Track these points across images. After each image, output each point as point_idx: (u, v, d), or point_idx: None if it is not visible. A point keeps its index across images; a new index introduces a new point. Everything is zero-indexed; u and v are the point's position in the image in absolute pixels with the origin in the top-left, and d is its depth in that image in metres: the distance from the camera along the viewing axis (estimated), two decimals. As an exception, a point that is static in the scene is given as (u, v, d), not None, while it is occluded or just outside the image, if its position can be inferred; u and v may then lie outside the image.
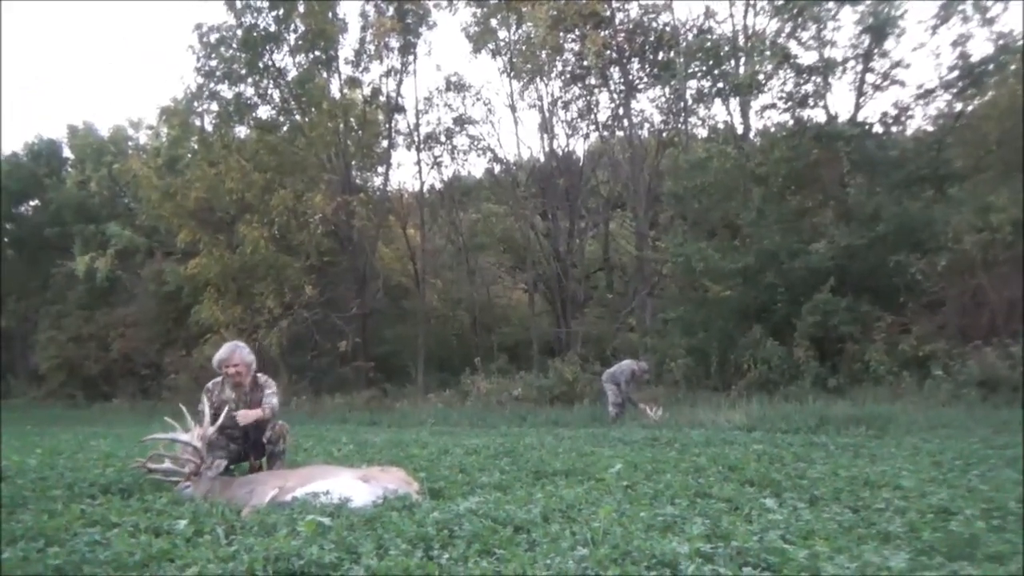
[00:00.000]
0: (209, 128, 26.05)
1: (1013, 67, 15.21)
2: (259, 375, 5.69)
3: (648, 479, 5.26)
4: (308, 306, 24.07)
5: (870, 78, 16.86)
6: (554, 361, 19.71)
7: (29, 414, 23.98)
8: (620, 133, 26.13)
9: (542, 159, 27.65)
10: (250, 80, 24.57)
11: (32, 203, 35.22)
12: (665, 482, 4.98)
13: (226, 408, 5.34)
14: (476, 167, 35.87)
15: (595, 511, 3.87)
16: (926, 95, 16.31)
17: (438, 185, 28.76)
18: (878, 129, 16.70)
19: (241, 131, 25.99)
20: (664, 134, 25.08)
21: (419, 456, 7.08)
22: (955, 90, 16.04)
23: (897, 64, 16.50)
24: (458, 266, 30.47)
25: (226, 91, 24.61)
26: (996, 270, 13.66)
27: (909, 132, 17.76)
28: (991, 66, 15.20)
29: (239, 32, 23.83)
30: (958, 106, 16.52)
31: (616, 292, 28.39)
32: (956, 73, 15.72)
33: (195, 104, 25.39)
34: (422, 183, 27.68)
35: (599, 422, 12.41)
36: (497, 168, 28.18)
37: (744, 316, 16.14)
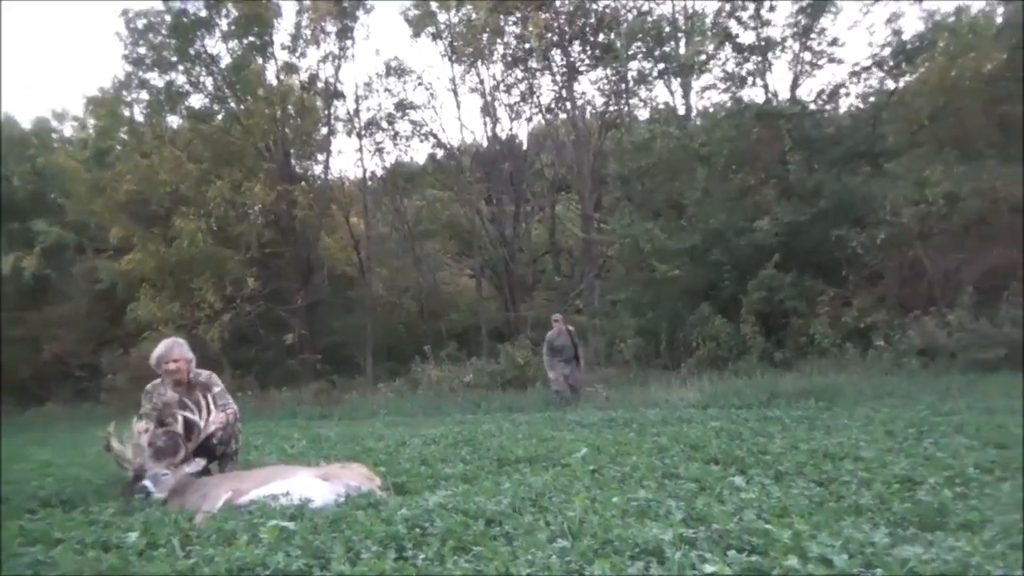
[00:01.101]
0: (139, 118, 25.04)
1: (942, 44, 15.66)
2: (200, 372, 5.42)
3: (613, 462, 5.22)
4: (251, 299, 23.42)
5: (807, 56, 17.16)
6: (504, 346, 19.64)
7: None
8: (563, 116, 26.08)
9: (485, 143, 27.46)
10: (181, 68, 23.67)
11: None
12: (631, 464, 4.94)
13: (177, 414, 5.06)
14: (419, 153, 35.41)
15: (567, 499, 3.79)
16: (860, 72, 16.67)
17: (380, 172, 28.30)
18: (815, 107, 17.03)
19: (173, 121, 25.09)
20: (607, 116, 25.11)
21: (376, 449, 6.91)
22: (888, 67, 16.43)
23: (833, 42, 16.82)
24: (403, 254, 30.11)
25: (156, 79, 23.72)
26: (932, 241, 14.08)
27: (843, 110, 18.19)
28: (923, 43, 15.61)
29: (168, 18, 22.91)
30: (891, 84, 16.95)
31: (564, 275, 28.53)
32: (889, 51, 16.10)
33: (124, 93, 24.37)
34: (364, 171, 27.23)
35: (554, 405, 12.38)
36: (440, 153, 27.86)
37: (691, 295, 16.32)
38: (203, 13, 23.05)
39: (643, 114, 23.86)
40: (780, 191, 16.63)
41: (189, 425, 4.94)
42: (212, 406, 4.97)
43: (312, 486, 4.44)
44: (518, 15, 22.94)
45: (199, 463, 4.64)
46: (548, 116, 26.85)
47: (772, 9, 17.03)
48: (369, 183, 27.81)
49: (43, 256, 27.47)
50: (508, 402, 13.75)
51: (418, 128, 26.67)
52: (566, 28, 22.95)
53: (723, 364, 14.91)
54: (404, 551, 2.93)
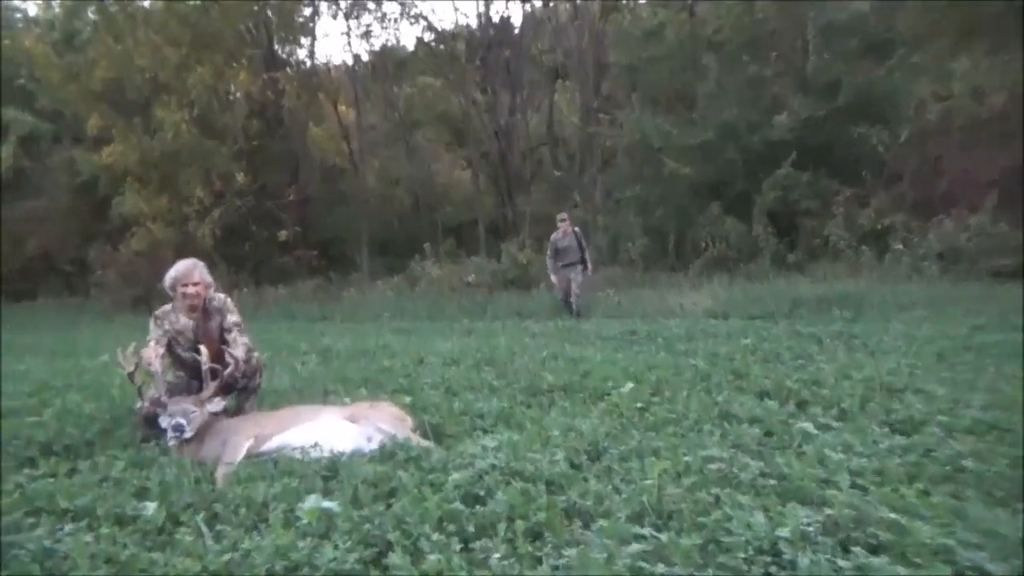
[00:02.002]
0: (109, -3, 23.34)
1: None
2: (214, 296, 4.93)
3: (658, 395, 4.86)
4: (240, 194, 22.72)
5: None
6: (507, 244, 19.15)
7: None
8: (562, -3, 24.55)
9: (475, 27, 25.99)
10: (151, -62, 21.85)
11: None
12: (681, 401, 4.57)
13: (195, 347, 4.59)
14: (408, 37, 33.64)
15: (628, 453, 3.43)
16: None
17: (368, 57, 26.87)
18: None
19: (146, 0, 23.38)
20: (608, -2, 23.63)
21: (393, 370, 6.54)
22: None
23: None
24: (394, 144, 29.12)
25: (125, -49, 21.90)
26: (954, 140, 13.45)
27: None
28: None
29: None
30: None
31: (562, 169, 27.70)
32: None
33: (89, -34, 22.60)
34: (355, 56, 25.80)
35: (564, 313, 12.03)
36: (431, 37, 26.38)
37: (701, 193, 15.78)
38: None
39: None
40: (797, 84, 15.75)
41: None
42: (237, 339, 4.48)
43: (339, 428, 4.05)
44: None
45: (220, 403, 4.21)
46: (546, -3, 25.28)
47: None
48: (357, 70, 26.42)
49: (19, 146, 26.31)
50: (515, 305, 13.39)
51: (407, 9, 25.09)
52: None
53: (733, 266, 14.57)
54: (467, 538, 2.55)
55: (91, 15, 24.72)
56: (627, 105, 18.28)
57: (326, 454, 3.75)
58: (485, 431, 4.25)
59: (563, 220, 12.04)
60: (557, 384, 5.42)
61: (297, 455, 3.86)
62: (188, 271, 4.73)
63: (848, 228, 13.64)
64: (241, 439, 3.90)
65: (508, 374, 6.03)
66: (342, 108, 27.63)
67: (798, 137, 14.22)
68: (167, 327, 4.76)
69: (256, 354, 4.83)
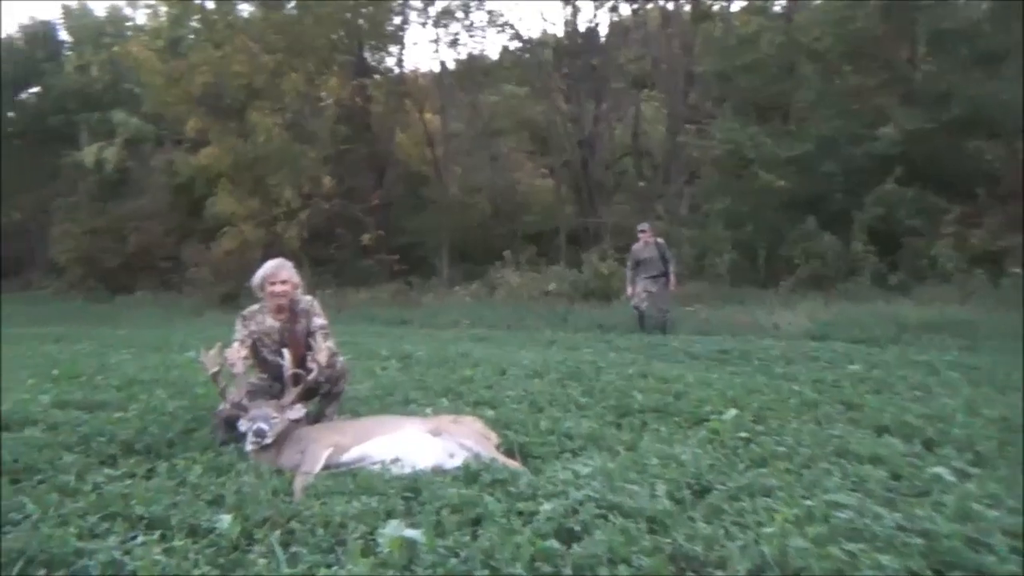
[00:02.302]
0: (210, 5, 24.23)
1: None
2: (301, 297, 4.82)
3: (760, 423, 4.47)
4: (327, 197, 23.11)
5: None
6: (588, 254, 18.78)
7: (51, 307, 23.73)
8: (650, 4, 24.05)
9: (562, 35, 25.77)
10: (251, -49, 22.59)
11: (32, 90, 33.72)
12: (790, 432, 4.17)
13: (279, 349, 4.48)
14: (494, 45, 33.67)
15: (739, 491, 3.08)
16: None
17: (454, 65, 27.02)
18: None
19: (245, 9, 24.20)
20: (700, 6, 22.98)
21: (474, 380, 6.32)
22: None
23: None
24: (476, 152, 29.18)
25: (226, -37, 22.71)
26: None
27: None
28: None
29: None
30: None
31: (646, 179, 27.14)
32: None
33: (193, -23, 23.53)
34: (442, 63, 25.96)
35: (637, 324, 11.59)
36: (517, 46, 26.31)
37: (795, 207, 15.04)
38: None
39: (738, 3, 21.74)
40: (903, 95, 14.86)
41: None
42: (322, 343, 4.36)
43: (421, 442, 3.84)
44: None
45: (301, 409, 4.08)
46: (634, 5, 24.83)
47: None
48: (443, 78, 26.61)
49: (124, 147, 27.61)
50: (596, 317, 13.03)
51: (494, 18, 25.09)
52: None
53: (828, 285, 13.81)
54: (565, 583, 2.27)
55: (193, 23, 25.75)
56: (716, 115, 17.65)
57: (407, 469, 3.55)
58: (574, 453, 3.96)
59: (643, 231, 11.47)
60: (648, 405, 5.09)
61: (377, 468, 3.67)
62: (276, 269, 4.63)
63: (958, 249, 12.72)
64: (320, 448, 3.73)
65: (595, 391, 5.72)
66: (427, 115, 27.91)
67: (904, 151, 13.37)
68: (253, 327, 4.67)
69: (341, 359, 4.69)
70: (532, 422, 4.55)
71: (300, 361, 4.38)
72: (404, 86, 26.73)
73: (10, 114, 33.34)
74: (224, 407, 4.14)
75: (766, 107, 16.43)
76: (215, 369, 4.06)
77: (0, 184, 28.61)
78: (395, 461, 3.64)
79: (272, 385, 4.72)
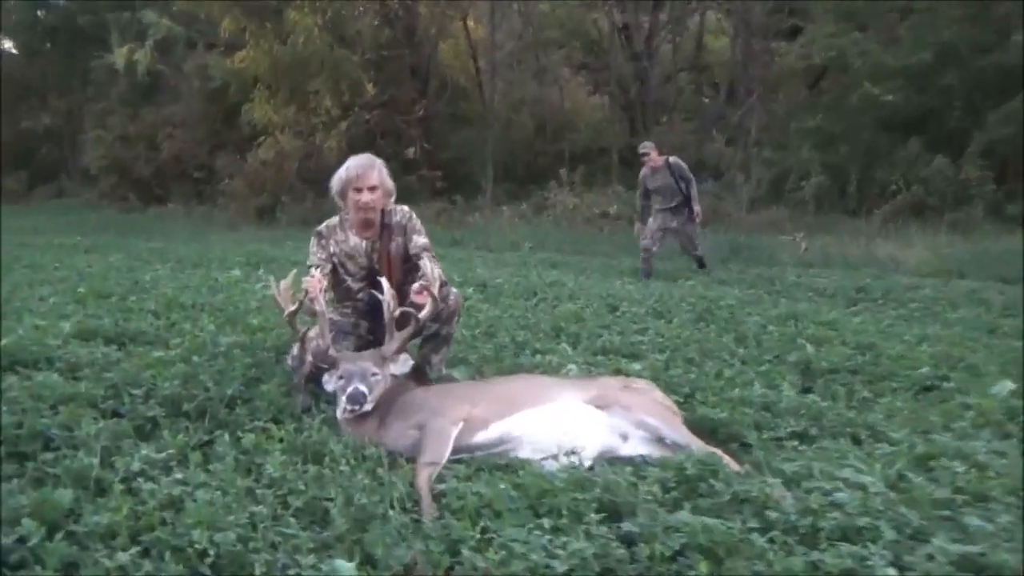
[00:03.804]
0: None
1: None
2: (396, 208, 3.64)
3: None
4: (368, 107, 21.66)
5: None
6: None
7: (84, 217, 22.93)
8: None
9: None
10: None
11: (61, -12, 32.23)
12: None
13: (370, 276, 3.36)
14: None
15: None
16: None
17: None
18: None
19: None
20: None
21: (585, 319, 5.13)
22: None
23: None
24: (519, 65, 27.38)
25: None
26: None
27: None
28: None
29: None
30: None
31: (708, 96, 25.25)
32: None
33: None
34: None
35: (744, 251, 10.30)
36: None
37: (897, 127, 13.40)
38: None
39: None
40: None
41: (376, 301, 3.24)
42: (431, 269, 3.12)
43: (584, 418, 2.70)
44: None
45: (408, 361, 2.94)
46: None
47: None
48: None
49: (155, 50, 26.20)
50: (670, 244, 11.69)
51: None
52: None
53: (931, 214, 12.32)
54: None
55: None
56: (802, 23, 15.69)
57: (569, 457, 2.44)
58: (800, 439, 2.79)
59: (645, 154, 9.10)
60: (834, 362, 3.88)
61: (527, 455, 2.54)
62: (364, 170, 3.43)
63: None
64: (447, 424, 2.60)
65: (748, 339, 4.53)
66: (471, 24, 26.08)
67: (1040, 63, 11.62)
68: (333, 248, 3.50)
69: (453, 291, 3.49)
70: (706, 385, 3.38)
71: (397, 292, 3.22)
72: (447, -9, 24.86)
73: (39, 13, 31.96)
74: (302, 358, 3.01)
75: (871, 11, 14.44)
76: (293, 307, 2.89)
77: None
78: (563, 455, 2.50)
79: (358, 323, 3.59)
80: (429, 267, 3.07)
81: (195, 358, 3.55)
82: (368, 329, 3.59)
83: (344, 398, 2.69)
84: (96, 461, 2.30)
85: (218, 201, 23.84)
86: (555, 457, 2.52)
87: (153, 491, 2.11)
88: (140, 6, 27.44)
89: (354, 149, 17.76)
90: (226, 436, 2.63)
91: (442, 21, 24.49)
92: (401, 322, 3.00)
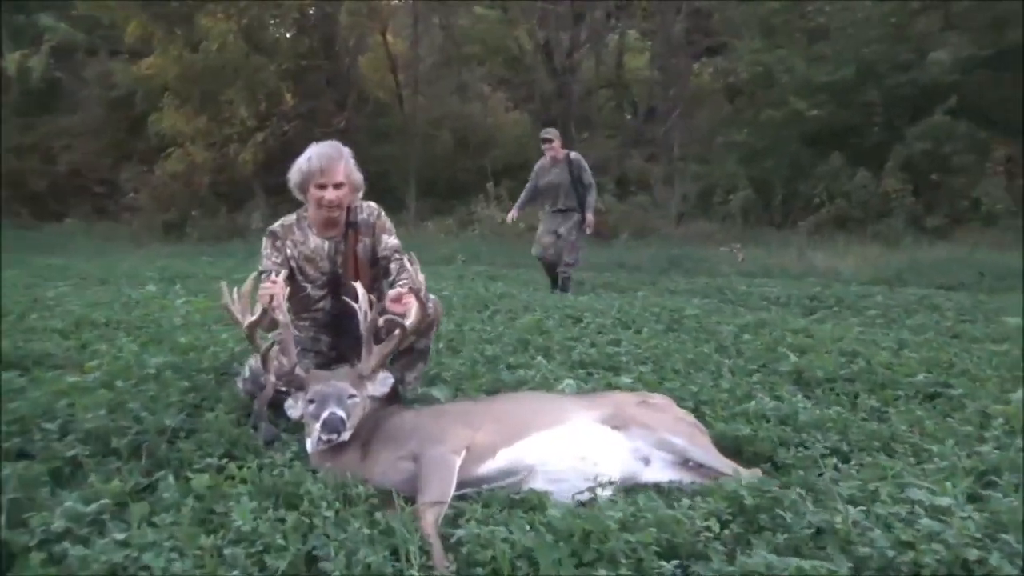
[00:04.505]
0: None
1: None
2: (363, 205, 3.20)
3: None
4: (287, 117, 20.85)
5: None
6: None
7: (-31, 234, 21.07)
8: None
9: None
10: None
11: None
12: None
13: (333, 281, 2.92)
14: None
15: None
16: None
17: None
18: None
19: None
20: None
21: (548, 331, 4.78)
22: None
23: None
24: (438, 80, 27.10)
25: None
26: None
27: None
28: None
29: None
30: None
31: (632, 112, 25.58)
32: None
33: None
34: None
35: (683, 263, 10.21)
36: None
37: (819, 142, 13.70)
38: None
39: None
40: (948, 18, 13.42)
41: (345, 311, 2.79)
42: (413, 272, 2.63)
43: (598, 440, 2.34)
44: None
45: (388, 379, 2.50)
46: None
47: None
48: (410, -2, 24.32)
49: (51, 56, 24.52)
50: (613, 255, 11.58)
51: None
52: None
53: (854, 226, 12.63)
54: None
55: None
56: (721, 42, 15.90)
57: (597, 487, 2.07)
58: (837, 456, 2.51)
59: (548, 141, 7.91)
60: (834, 372, 3.66)
61: (542, 486, 2.16)
62: (330, 163, 2.97)
63: (1008, 190, 11.62)
64: (447, 453, 2.17)
65: (729, 349, 4.29)
66: (390, 38, 25.66)
67: (954, 81, 12.07)
68: (289, 250, 3.03)
69: (432, 298, 3.06)
70: (710, 398, 3.08)
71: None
72: (368, 1, 24.33)
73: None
74: (262, 379, 2.52)
75: (790, 29, 14.79)
76: (254, 316, 2.40)
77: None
78: (591, 490, 2.12)
79: (318, 338, 3.12)
80: (411, 269, 2.63)
81: (119, 383, 2.98)
82: (330, 344, 3.12)
83: (318, 426, 2.23)
84: (2, 520, 1.77)
85: (121, 216, 22.44)
86: (591, 490, 2.13)
87: (85, 558, 1.61)
88: (36, 7, 25.72)
89: (271, 161, 16.92)
90: (171, 478, 2.13)
91: (361, 33, 23.97)
92: (386, 333, 2.56)
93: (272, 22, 21.25)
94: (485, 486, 2.19)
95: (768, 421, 2.80)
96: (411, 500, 2.07)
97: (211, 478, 2.09)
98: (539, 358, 3.91)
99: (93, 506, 1.89)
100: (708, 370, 3.78)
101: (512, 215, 8.35)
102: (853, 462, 2.47)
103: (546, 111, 24.65)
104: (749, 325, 5.04)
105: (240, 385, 2.88)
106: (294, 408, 2.42)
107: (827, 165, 13.39)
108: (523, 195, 8.23)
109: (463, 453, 2.19)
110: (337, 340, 3.11)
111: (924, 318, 5.76)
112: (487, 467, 2.21)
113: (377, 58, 25.75)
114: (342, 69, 22.91)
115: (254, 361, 2.87)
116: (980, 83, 12.16)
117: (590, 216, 7.69)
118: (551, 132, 8.04)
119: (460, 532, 1.84)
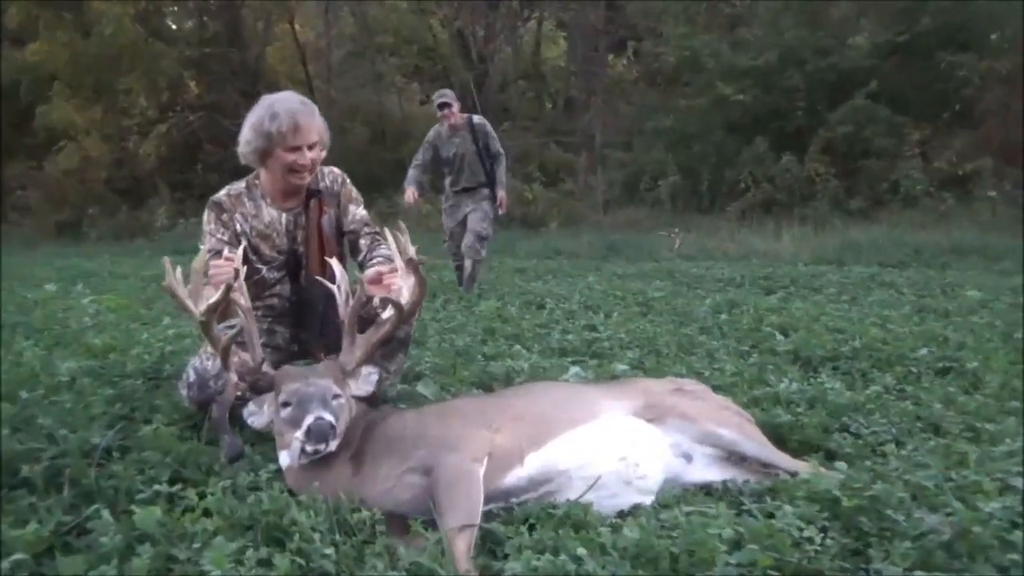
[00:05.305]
0: None
1: None
2: (325, 169, 2.72)
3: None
4: (191, 108, 19.64)
5: None
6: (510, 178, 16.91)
7: None
8: None
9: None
10: None
11: None
12: None
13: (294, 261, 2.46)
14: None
15: None
16: None
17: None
18: None
19: None
20: None
21: (517, 319, 4.39)
22: None
23: None
24: (350, 71, 26.31)
25: None
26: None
27: None
28: None
29: None
30: None
31: (547, 103, 25.48)
32: None
33: None
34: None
35: (622, 248, 10.00)
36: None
37: (743, 128, 13.78)
38: None
39: None
40: (861, 6, 13.72)
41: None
42: (403, 244, 2.20)
43: (635, 434, 1.96)
44: None
45: (372, 375, 2.06)
46: None
47: None
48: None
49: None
50: (552, 242, 11.30)
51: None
52: None
53: (780, 210, 12.76)
54: None
55: None
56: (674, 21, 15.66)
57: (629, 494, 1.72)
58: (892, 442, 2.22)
59: (446, 104, 6.46)
60: (834, 351, 3.43)
61: (584, 497, 1.77)
62: (303, 119, 2.47)
63: (925, 172, 11.94)
64: (467, 462, 1.75)
65: (712, 330, 4.01)
66: (299, 27, 24.70)
67: (874, 65, 12.31)
68: (240, 225, 2.52)
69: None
70: (724, 383, 2.77)
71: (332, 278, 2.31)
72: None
73: None
74: (223, 380, 2.03)
75: (715, 14, 14.82)
76: (214, 298, 1.89)
77: None
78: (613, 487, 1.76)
79: (273, 330, 2.62)
80: (398, 241, 2.18)
81: (23, 393, 2.41)
82: (289, 337, 2.64)
83: (299, 435, 1.77)
84: None
85: (9, 217, 20.67)
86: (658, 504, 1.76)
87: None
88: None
89: (175, 154, 15.83)
90: (106, 513, 1.62)
91: (268, 20, 22.94)
92: (366, 321, 2.10)
93: (172, 8, 19.99)
94: (513, 499, 1.78)
95: (798, 406, 2.50)
96: (429, 524, 1.64)
97: (163, 511, 1.60)
98: (516, 347, 3.52)
99: (4, 564, 1.38)
100: (700, 353, 3.48)
101: (410, 196, 6.62)
102: (910, 447, 2.19)
103: (462, 102, 24.29)
104: (720, 305, 4.79)
105: (183, 391, 2.36)
106: (257, 415, 1.94)
107: (752, 150, 13.46)
108: (413, 170, 6.65)
109: (485, 461, 1.77)
110: (297, 332, 2.63)
111: (883, 294, 5.68)
112: (514, 476, 1.80)
113: (285, 47, 24.77)
114: (249, 59, 21.78)
115: (199, 361, 2.37)
116: (895, 68, 12.46)
117: (502, 193, 6.47)
118: (447, 94, 6.59)
119: (513, 566, 1.43)
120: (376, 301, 2.09)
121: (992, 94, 11.93)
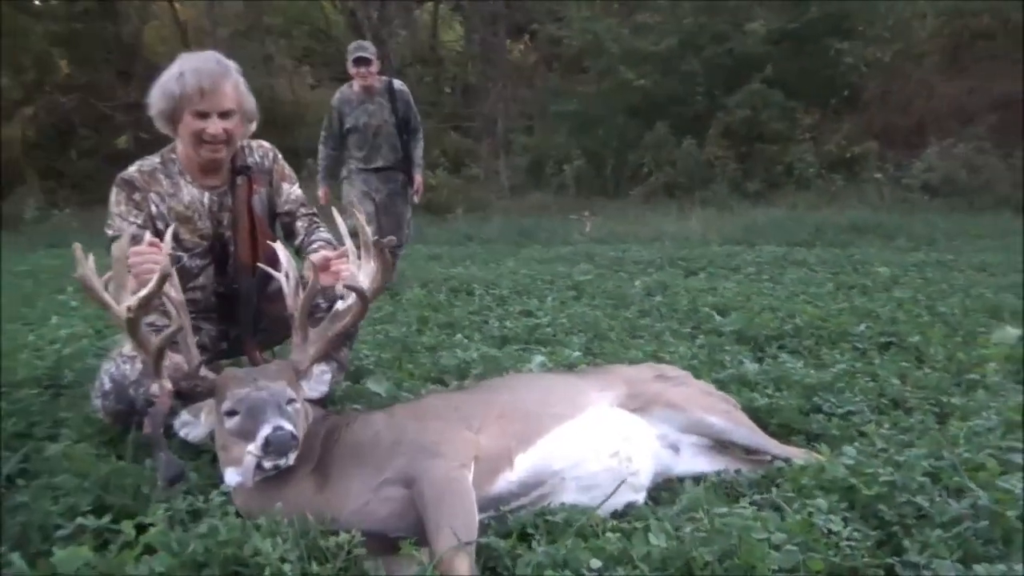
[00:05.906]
0: None
1: None
2: (252, 144, 2.41)
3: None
4: (61, 89, 18.14)
5: None
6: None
7: None
8: None
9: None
10: None
11: None
12: None
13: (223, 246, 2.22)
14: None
15: None
16: None
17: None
18: None
19: None
20: None
21: (448, 305, 4.19)
22: None
23: None
24: (237, 52, 25.07)
25: None
26: (935, 64, 12.55)
27: None
28: None
29: None
30: None
31: (445, 88, 25.15)
32: None
33: None
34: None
35: (535, 233, 9.91)
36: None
37: (645, 112, 13.98)
38: None
39: None
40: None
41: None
42: (366, 227, 1.94)
43: (625, 431, 1.82)
44: None
45: (326, 375, 1.81)
46: None
47: None
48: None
49: None
50: (465, 228, 11.08)
51: None
52: None
53: (682, 193, 13.04)
54: None
55: None
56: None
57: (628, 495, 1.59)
58: (861, 426, 2.17)
59: (365, 62, 5.30)
60: (777, 330, 3.42)
61: (578, 499, 1.62)
62: (213, 82, 2.17)
63: (816, 155, 12.48)
64: (454, 469, 1.54)
65: (652, 311, 3.94)
66: (179, 5, 23.28)
67: (769, 52, 12.72)
68: (155, 207, 2.20)
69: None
70: (687, 367, 2.67)
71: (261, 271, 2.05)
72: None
73: None
74: (128, 389, 1.74)
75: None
76: (146, 290, 1.58)
77: None
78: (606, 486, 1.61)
79: (198, 327, 2.30)
80: (358, 221, 1.93)
81: None
82: (217, 335, 2.34)
83: (254, 448, 1.51)
84: None
85: None
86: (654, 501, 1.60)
87: None
88: None
89: (45, 138, 14.51)
90: (17, 558, 1.32)
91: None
92: (308, 315, 1.84)
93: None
94: (504, 507, 1.59)
95: (766, 388, 2.43)
96: (419, 543, 1.43)
97: (91, 549, 1.32)
98: (457, 336, 3.32)
99: None
100: (647, 336, 3.39)
101: (323, 198, 5.72)
102: (887, 426, 2.15)
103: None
104: (651, 287, 4.74)
105: (97, 401, 2.03)
106: (193, 425, 1.66)
107: (654, 134, 13.68)
108: (324, 158, 5.68)
109: (472, 466, 1.57)
110: (226, 328, 2.34)
111: (798, 273, 5.81)
112: (504, 481, 1.62)
113: (165, 26, 23.34)
114: (125, 36, 20.32)
115: (114, 366, 2.05)
116: (787, 55, 12.92)
117: (419, 178, 5.55)
118: (366, 47, 5.50)
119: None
120: (339, 289, 1.84)
121: (875, 81, 12.57)
